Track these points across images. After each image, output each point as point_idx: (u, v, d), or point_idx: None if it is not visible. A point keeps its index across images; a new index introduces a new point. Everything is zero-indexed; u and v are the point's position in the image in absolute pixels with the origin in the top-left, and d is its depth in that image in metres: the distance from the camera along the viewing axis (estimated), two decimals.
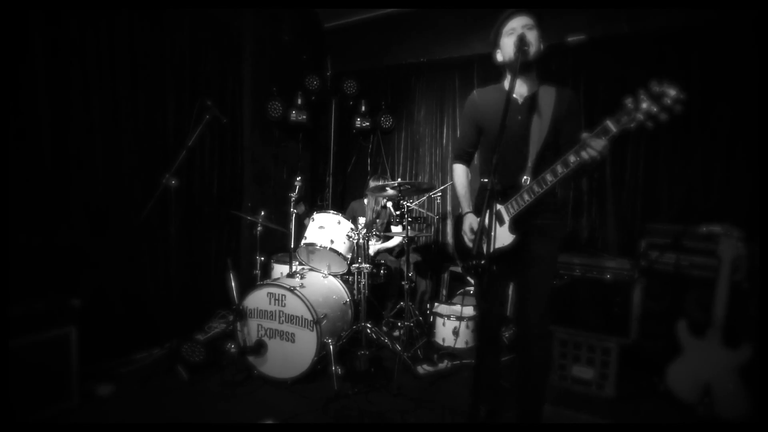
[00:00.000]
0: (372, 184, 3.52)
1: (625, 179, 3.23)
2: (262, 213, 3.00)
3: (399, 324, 3.08)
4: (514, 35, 1.66)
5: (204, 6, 3.13)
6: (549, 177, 1.56)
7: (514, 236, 1.69)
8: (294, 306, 2.40)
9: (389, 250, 3.52)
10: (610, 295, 2.42)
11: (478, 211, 1.84)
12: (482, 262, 1.77)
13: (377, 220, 3.56)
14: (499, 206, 1.74)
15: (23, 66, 2.21)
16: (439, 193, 3.49)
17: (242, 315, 2.50)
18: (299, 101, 3.83)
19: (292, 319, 2.42)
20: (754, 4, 2.77)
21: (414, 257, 3.70)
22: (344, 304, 2.76)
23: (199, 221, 3.19)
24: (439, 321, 3.08)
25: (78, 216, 2.47)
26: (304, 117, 3.81)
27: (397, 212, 3.37)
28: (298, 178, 2.71)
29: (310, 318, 2.36)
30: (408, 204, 2.68)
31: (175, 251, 2.89)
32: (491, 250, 1.74)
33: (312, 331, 2.36)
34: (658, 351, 2.43)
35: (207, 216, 3.24)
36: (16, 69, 2.17)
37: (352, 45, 4.41)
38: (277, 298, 2.45)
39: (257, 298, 2.49)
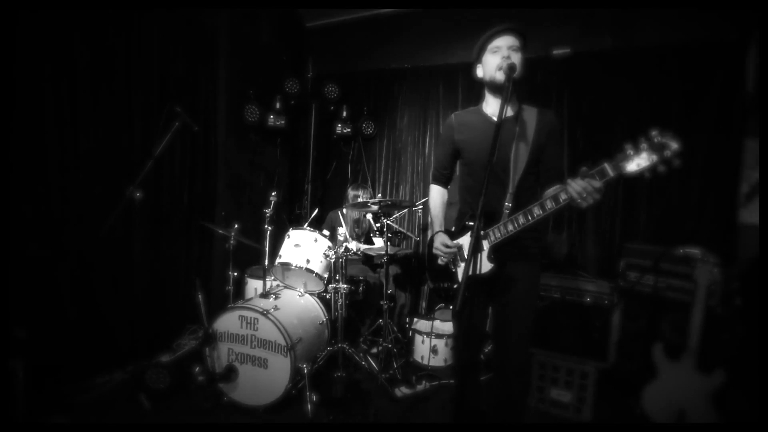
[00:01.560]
0: (351, 193, 3.42)
1: (608, 195, 3.24)
2: (236, 226, 2.84)
3: (379, 342, 2.99)
4: (499, 54, 1.61)
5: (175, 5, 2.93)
6: (537, 211, 1.50)
7: (492, 265, 1.63)
8: (267, 330, 2.28)
9: (369, 262, 3.43)
10: (589, 319, 2.41)
11: (455, 233, 1.78)
12: (454, 286, 1.73)
13: (356, 229, 3.47)
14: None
15: None
16: (420, 206, 3.41)
17: (211, 339, 2.36)
18: (278, 105, 3.67)
19: (264, 343, 2.30)
20: (735, 27, 2.81)
21: (393, 269, 3.62)
22: (320, 324, 2.66)
23: (167, 232, 3.01)
24: (418, 338, 3.02)
25: (28, 233, 2.26)
26: (283, 122, 3.66)
27: (377, 225, 3.30)
28: (273, 193, 2.58)
29: (283, 343, 2.24)
30: (387, 221, 2.59)
31: (139, 266, 2.73)
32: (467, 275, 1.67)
33: (286, 356, 2.25)
34: (635, 373, 2.44)
35: (176, 227, 3.05)
36: None
37: (334, 47, 4.26)
38: (249, 321, 2.33)
39: (228, 321, 2.36)
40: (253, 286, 3.04)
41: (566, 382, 2.40)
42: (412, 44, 3.89)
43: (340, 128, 3.91)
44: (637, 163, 1.26)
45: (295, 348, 2.27)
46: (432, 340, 2.94)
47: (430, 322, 3.09)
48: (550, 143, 1.68)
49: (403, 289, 3.67)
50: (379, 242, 3.32)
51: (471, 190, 1.79)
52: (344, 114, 3.93)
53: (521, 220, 1.54)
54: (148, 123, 2.79)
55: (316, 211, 3.30)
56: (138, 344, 2.78)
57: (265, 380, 2.29)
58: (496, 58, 1.61)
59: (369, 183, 3.97)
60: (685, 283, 2.44)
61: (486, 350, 2.90)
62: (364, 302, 3.14)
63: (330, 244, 2.64)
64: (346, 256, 2.58)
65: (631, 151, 1.27)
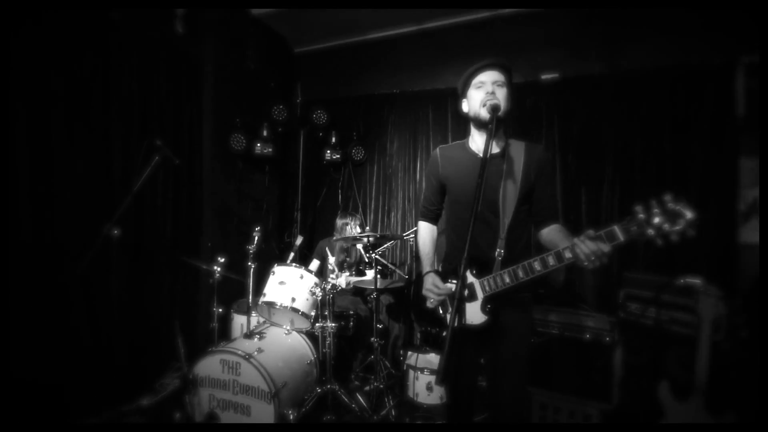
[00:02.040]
0: (340, 222, 3.34)
1: (601, 221, 3.17)
2: (220, 260, 2.73)
3: (371, 379, 2.85)
4: (483, 90, 1.58)
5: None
6: (538, 267, 1.42)
7: (486, 317, 1.53)
8: (250, 375, 2.16)
9: (361, 294, 3.31)
10: (589, 357, 2.29)
11: (443, 276, 1.69)
12: (443, 333, 1.64)
13: (347, 259, 3.37)
14: (471, 278, 1.59)
15: None
16: (411, 235, 3.32)
17: (190, 386, 2.22)
18: (265, 133, 3.60)
19: (247, 389, 2.17)
20: (719, 52, 2.79)
21: (386, 299, 3.51)
22: (308, 363, 2.52)
23: (150, 267, 2.89)
24: (412, 374, 2.85)
25: None
26: (270, 150, 3.58)
27: (367, 254, 3.19)
28: (257, 228, 2.48)
29: (267, 390, 2.11)
30: (376, 255, 2.50)
31: (119, 304, 2.61)
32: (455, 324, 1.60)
33: (269, 404, 2.12)
34: (641, 414, 2.31)
35: (159, 261, 2.93)
36: None
37: (323, 72, 4.24)
38: (231, 366, 2.20)
39: (209, 365, 2.23)
40: (240, 322, 2.90)
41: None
42: (401, 69, 3.87)
43: (329, 154, 3.84)
44: (648, 229, 1.20)
45: (279, 394, 2.14)
46: (426, 376, 2.80)
47: (425, 356, 2.95)
48: (540, 179, 1.62)
49: (397, 319, 3.55)
50: (371, 273, 3.21)
51: (458, 231, 1.71)
52: (333, 140, 3.87)
53: (521, 274, 1.46)
54: (128, 156, 2.70)
55: (300, 239, 3.19)
56: (119, 385, 2.63)
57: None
58: (481, 94, 1.57)
59: (360, 211, 3.88)
60: (688, 315, 2.34)
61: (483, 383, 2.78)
62: (356, 336, 3.01)
63: (317, 280, 2.53)
64: (334, 292, 2.47)
65: (641, 216, 1.20)
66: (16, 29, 2.16)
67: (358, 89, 4.06)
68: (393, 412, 2.59)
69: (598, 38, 3.20)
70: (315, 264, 3.39)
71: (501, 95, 1.56)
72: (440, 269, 1.76)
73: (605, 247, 1.27)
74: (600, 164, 3.16)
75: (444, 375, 1.09)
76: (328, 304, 2.47)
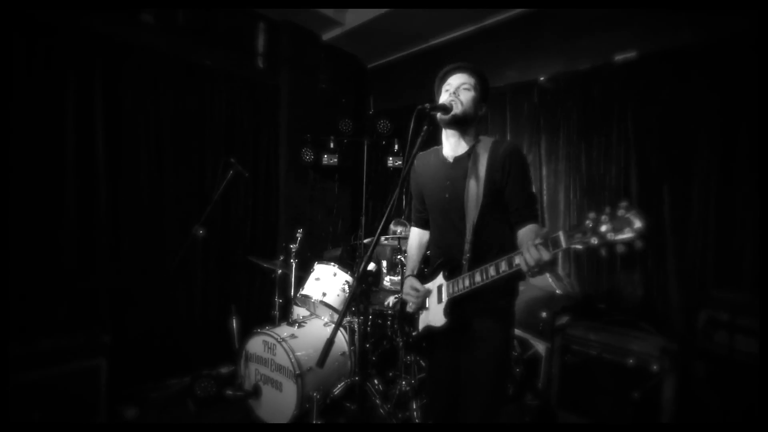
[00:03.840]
0: (391, 229, 3.49)
1: (690, 225, 2.57)
2: (281, 258, 3.19)
3: (408, 378, 2.92)
4: (447, 93, 1.61)
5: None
6: (492, 271, 1.40)
7: (446, 320, 1.52)
8: (281, 356, 2.50)
9: None
10: (627, 385, 1.94)
11: (422, 277, 1.72)
12: (413, 333, 1.68)
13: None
14: (442, 281, 1.60)
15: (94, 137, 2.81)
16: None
17: (240, 359, 2.68)
18: (331, 145, 4.02)
19: (280, 368, 2.52)
20: None
21: None
22: (342, 354, 2.75)
23: (233, 263, 3.55)
24: None
25: (126, 264, 2.98)
26: (336, 160, 3.99)
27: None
28: (299, 230, 2.83)
29: (291, 370, 2.42)
30: (400, 257, 2.59)
31: (201, 293, 3.31)
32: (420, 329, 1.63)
33: (295, 383, 2.42)
34: None
35: (240, 258, 3.57)
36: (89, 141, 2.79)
37: (391, 83, 4.49)
38: (269, 346, 2.58)
39: (255, 344, 2.66)
40: (297, 312, 3.32)
41: None
42: None
43: (391, 161, 4.04)
44: (593, 238, 1.09)
45: (303, 376, 2.42)
46: None
47: None
48: (509, 177, 1.53)
49: None
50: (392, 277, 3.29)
51: (434, 236, 1.74)
52: (396, 147, 4.06)
53: (477, 278, 1.44)
54: (217, 173, 3.39)
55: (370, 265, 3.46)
56: (211, 355, 3.33)
57: (280, 402, 2.50)
58: (444, 97, 1.59)
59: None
60: None
61: None
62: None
63: (349, 278, 2.74)
64: (359, 289, 2.64)
65: (589, 222, 1.11)
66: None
67: (422, 96, 4.13)
68: (417, 414, 2.61)
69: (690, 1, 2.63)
70: (372, 266, 3.61)
71: (465, 98, 1.55)
72: (426, 270, 1.78)
73: (546, 255, 1.19)
74: (689, 155, 2.58)
75: (322, 360, 1.21)
76: (355, 299, 2.65)
